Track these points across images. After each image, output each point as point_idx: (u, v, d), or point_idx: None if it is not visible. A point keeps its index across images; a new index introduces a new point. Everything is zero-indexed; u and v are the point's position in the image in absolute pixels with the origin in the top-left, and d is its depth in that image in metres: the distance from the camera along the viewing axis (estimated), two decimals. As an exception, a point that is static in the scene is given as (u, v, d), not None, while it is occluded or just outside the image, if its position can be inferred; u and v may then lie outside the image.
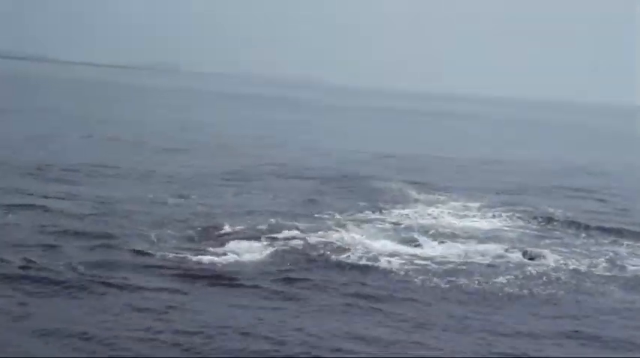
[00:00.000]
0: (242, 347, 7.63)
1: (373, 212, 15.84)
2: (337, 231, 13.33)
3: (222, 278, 10.04)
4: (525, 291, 10.47)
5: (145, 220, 13.27)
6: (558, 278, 11.20)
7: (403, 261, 11.56)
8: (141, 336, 7.76)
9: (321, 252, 11.71)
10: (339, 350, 7.77)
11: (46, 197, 14.86)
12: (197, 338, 7.75)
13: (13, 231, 11.76)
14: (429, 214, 16.30)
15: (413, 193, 19.22)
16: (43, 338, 7.61)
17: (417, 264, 11.48)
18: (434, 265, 11.50)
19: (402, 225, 14.71)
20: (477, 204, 18.05)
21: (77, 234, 11.81)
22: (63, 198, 14.99)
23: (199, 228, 12.78)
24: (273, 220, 13.79)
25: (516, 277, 11.07)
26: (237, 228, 12.86)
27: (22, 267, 9.64)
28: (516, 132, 61.08)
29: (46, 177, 17.89)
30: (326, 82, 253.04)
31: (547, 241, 14.15)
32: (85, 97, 59.43)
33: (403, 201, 17.78)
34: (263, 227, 12.97)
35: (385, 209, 16.36)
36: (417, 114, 79.17)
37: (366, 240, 12.70)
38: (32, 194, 15.13)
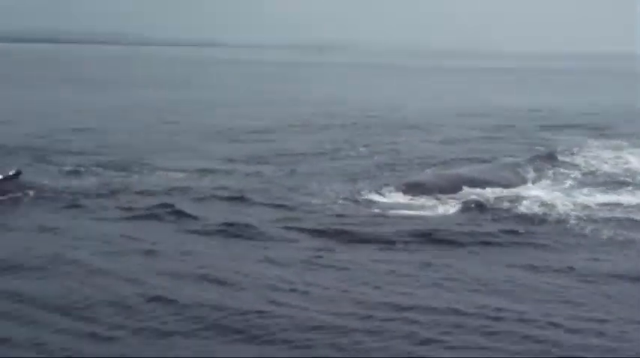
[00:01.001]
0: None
1: (549, 159, 14.74)
2: (512, 182, 12.52)
3: (378, 234, 9.17)
4: None
5: (320, 172, 13.31)
6: None
7: (579, 213, 10.14)
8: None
9: (494, 204, 10.72)
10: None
11: (229, 160, 14.91)
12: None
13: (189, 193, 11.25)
14: (610, 160, 15.08)
15: (588, 140, 17.97)
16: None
17: (596, 212, 10.20)
18: (621, 215, 10.11)
19: (583, 173, 13.65)
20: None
21: (251, 195, 11.18)
22: (246, 161, 14.95)
23: (374, 179, 12.24)
24: (448, 171, 13.19)
25: None
26: (404, 178, 12.24)
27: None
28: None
29: (234, 139, 18.51)
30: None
31: None
32: (245, 75, 58.94)
33: (580, 148, 16.61)
34: (442, 181, 11.76)
35: (563, 157, 15.30)
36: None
37: (542, 191, 11.77)
38: (221, 157, 15.30)
